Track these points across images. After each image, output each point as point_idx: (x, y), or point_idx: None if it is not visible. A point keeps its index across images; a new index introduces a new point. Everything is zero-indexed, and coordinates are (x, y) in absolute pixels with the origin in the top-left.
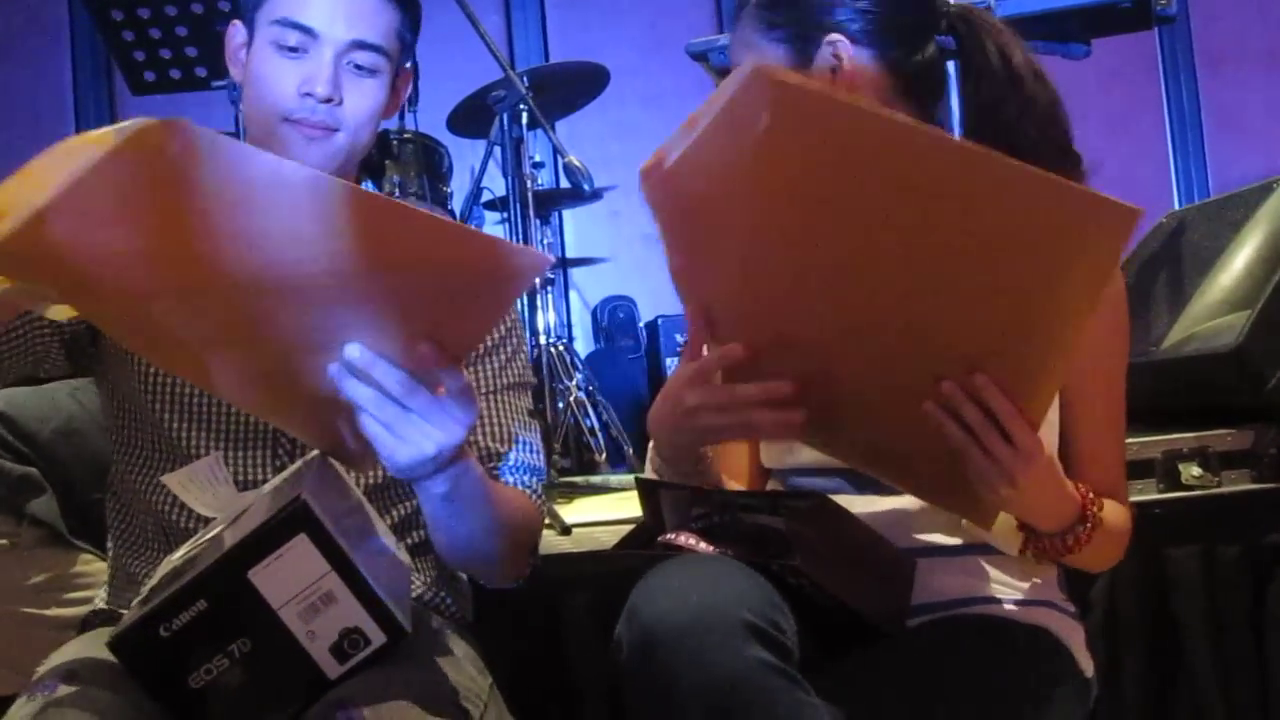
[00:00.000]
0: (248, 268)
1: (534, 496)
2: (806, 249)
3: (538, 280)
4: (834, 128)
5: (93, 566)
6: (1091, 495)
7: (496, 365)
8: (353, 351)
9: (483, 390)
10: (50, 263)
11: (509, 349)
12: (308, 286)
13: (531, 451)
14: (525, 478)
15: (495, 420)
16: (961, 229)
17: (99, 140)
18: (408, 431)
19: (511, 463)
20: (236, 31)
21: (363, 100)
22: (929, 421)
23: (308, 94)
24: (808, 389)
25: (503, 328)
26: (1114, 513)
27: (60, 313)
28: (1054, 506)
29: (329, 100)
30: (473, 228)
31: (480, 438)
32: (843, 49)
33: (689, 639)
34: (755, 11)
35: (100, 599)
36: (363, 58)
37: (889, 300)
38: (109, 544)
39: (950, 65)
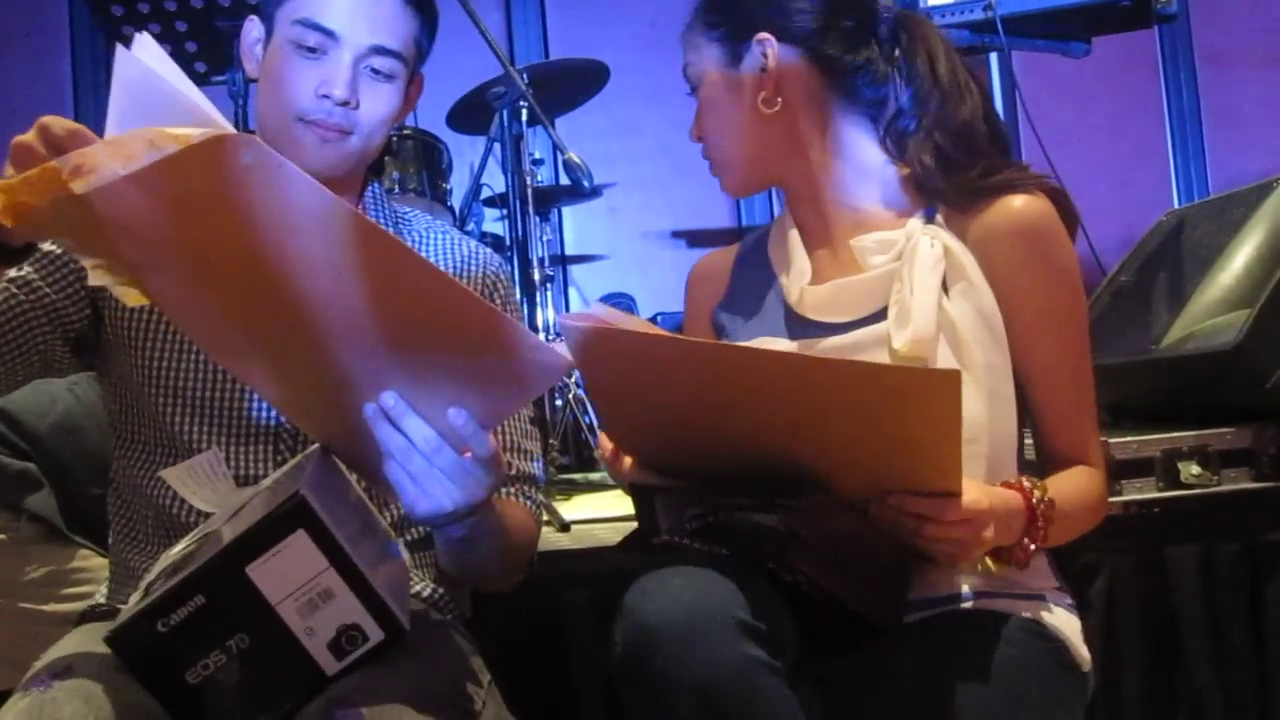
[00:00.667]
0: (292, 286)
1: (534, 508)
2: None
3: (537, 277)
4: (636, 354)
5: (91, 562)
6: (1037, 495)
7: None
8: (388, 399)
9: None
10: (110, 228)
11: None
12: (348, 321)
13: (532, 461)
14: (526, 488)
15: (499, 430)
16: (803, 409)
17: (176, 138)
18: (430, 486)
19: (514, 473)
20: (252, 26)
21: (378, 105)
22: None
23: (325, 96)
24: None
25: None
26: (1077, 485)
27: (132, 297)
28: (1003, 532)
29: (345, 103)
30: (506, 316)
31: None
32: (770, 49)
33: (682, 637)
34: (698, 13)
35: (101, 595)
36: (381, 63)
37: (776, 449)
38: (110, 538)
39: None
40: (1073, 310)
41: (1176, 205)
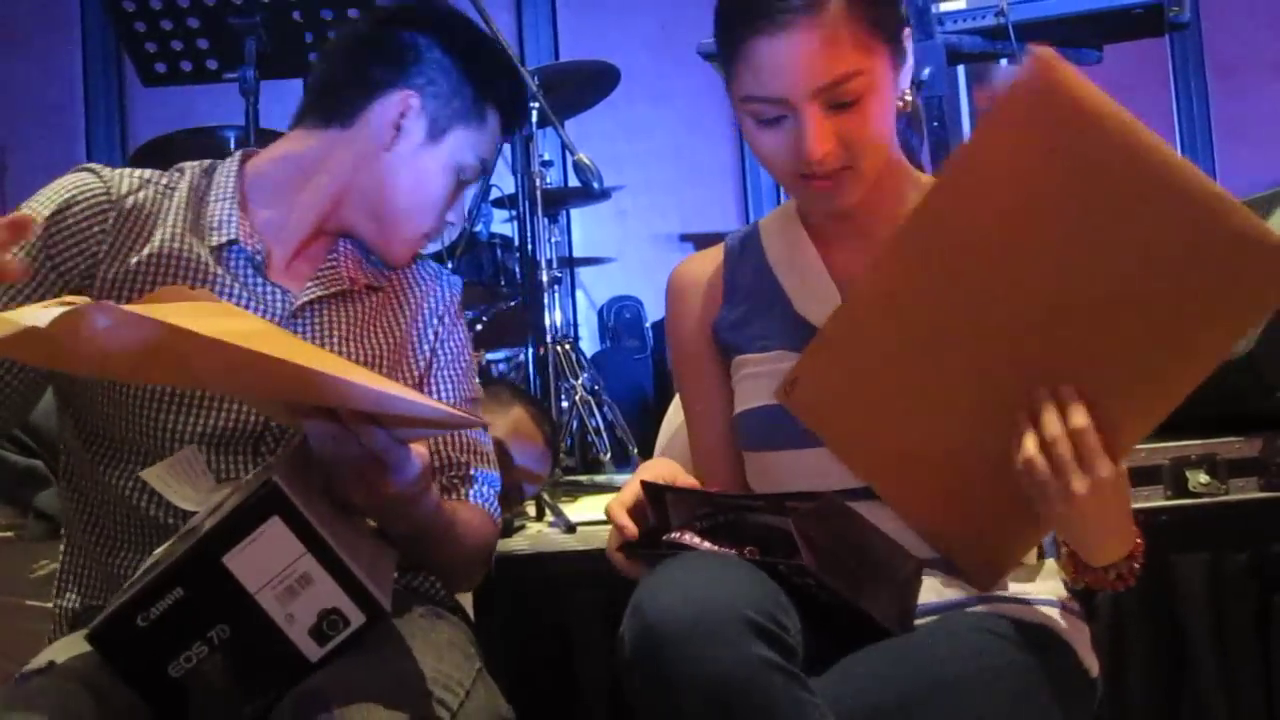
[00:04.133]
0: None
1: (490, 509)
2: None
3: (545, 279)
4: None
5: None
6: (1140, 539)
7: (452, 384)
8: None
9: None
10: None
11: (462, 365)
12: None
13: (487, 461)
14: (483, 489)
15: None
16: (1137, 240)
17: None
18: (341, 476)
19: (469, 472)
20: (401, 106)
21: None
22: (1002, 436)
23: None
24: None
25: (454, 348)
26: None
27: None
28: (1108, 540)
29: None
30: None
31: (442, 448)
32: (907, 33)
33: (691, 635)
34: (854, 6)
35: (73, 600)
36: None
37: (1035, 312)
38: (70, 540)
39: None
40: None
41: None
